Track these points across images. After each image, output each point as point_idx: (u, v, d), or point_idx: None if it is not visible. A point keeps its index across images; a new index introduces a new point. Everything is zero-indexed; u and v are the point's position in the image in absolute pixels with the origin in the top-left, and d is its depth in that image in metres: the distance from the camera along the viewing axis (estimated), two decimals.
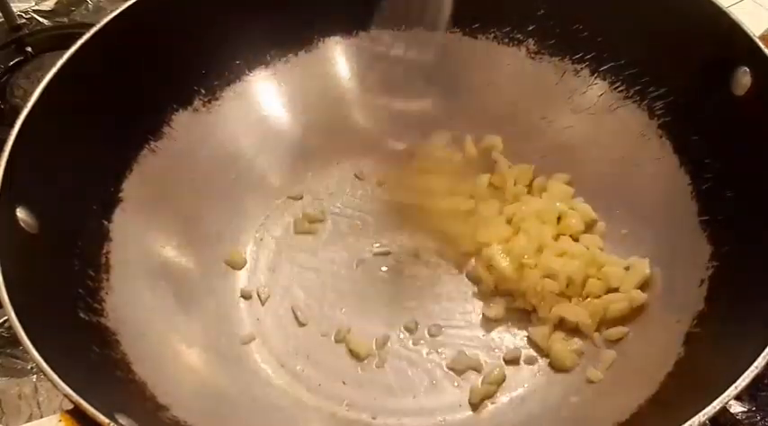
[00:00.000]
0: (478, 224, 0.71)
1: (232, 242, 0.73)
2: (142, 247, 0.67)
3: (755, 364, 0.46)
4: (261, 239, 0.74)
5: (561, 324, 0.66)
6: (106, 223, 0.64)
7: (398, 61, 0.77)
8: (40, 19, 1.01)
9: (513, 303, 0.68)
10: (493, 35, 0.76)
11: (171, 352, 0.63)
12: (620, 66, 0.71)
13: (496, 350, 0.66)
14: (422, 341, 0.67)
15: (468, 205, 0.73)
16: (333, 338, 0.68)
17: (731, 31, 0.60)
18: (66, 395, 0.46)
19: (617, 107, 0.72)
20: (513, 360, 0.65)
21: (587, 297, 0.66)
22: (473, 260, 0.71)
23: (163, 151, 0.70)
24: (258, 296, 0.70)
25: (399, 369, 0.66)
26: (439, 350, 0.66)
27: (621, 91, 0.71)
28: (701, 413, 0.45)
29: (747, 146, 0.60)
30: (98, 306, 0.59)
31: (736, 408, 0.63)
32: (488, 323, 0.67)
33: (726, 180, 0.62)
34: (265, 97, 0.77)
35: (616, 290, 0.65)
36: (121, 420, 0.47)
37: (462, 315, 0.68)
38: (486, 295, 0.69)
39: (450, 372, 0.65)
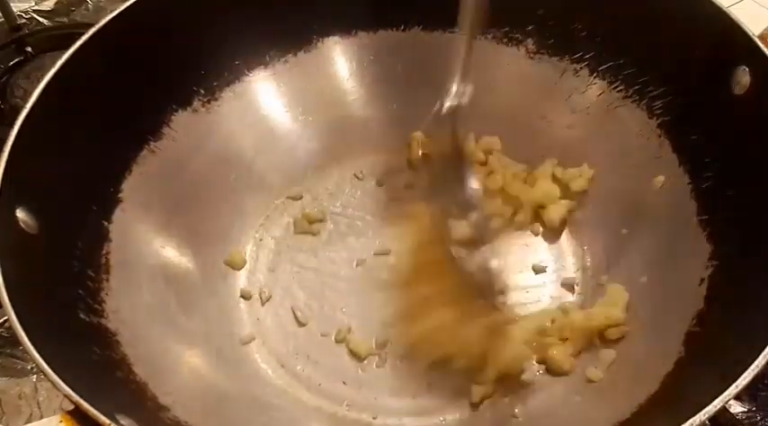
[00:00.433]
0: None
1: (232, 242, 0.73)
2: (142, 248, 0.67)
3: (755, 363, 0.46)
4: (260, 239, 0.74)
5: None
6: (106, 223, 0.64)
7: (397, 61, 0.77)
8: (40, 19, 1.01)
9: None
10: (492, 35, 0.76)
11: (171, 353, 0.63)
12: (620, 65, 0.71)
13: None
14: None
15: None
16: (333, 338, 0.68)
17: (730, 30, 0.60)
18: (66, 396, 0.47)
19: (616, 106, 0.72)
20: None
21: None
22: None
23: (162, 151, 0.70)
24: (258, 296, 0.70)
25: (399, 369, 0.66)
26: None
27: (621, 90, 0.71)
28: (700, 413, 0.45)
29: (747, 145, 0.60)
30: (98, 306, 0.59)
31: (736, 408, 0.63)
32: None
33: (725, 179, 0.62)
34: (265, 97, 0.77)
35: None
36: (122, 420, 0.47)
37: None
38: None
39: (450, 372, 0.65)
